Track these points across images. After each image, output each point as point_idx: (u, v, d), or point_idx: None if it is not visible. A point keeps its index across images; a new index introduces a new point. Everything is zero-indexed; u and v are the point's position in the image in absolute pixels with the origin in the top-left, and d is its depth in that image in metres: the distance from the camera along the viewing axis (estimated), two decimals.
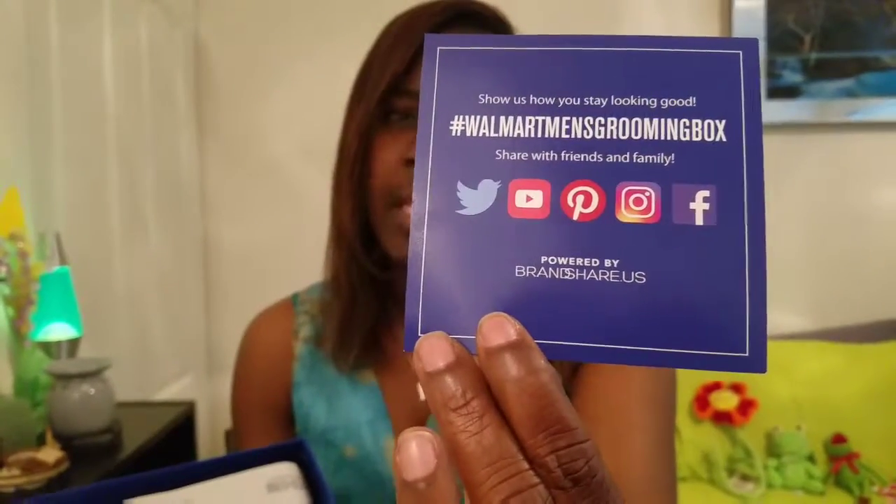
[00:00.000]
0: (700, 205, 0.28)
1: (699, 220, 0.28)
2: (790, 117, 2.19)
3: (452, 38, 0.31)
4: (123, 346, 1.67)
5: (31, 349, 1.21)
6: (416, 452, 0.25)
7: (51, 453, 1.01)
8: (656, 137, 0.29)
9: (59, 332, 1.26)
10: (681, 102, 0.29)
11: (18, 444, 1.05)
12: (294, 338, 0.75)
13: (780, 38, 2.17)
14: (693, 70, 0.29)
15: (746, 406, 1.99)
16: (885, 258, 2.24)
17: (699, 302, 0.27)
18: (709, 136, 0.28)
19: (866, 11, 2.15)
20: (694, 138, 0.28)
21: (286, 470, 0.56)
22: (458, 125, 0.30)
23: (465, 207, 0.29)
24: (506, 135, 0.29)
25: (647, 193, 0.28)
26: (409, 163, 0.63)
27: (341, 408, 0.71)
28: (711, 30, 2.22)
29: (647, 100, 0.29)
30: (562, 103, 0.29)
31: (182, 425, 1.36)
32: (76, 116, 1.51)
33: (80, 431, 1.13)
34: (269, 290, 0.89)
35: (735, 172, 0.28)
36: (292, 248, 1.87)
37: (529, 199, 0.29)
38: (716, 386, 2.02)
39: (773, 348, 2.09)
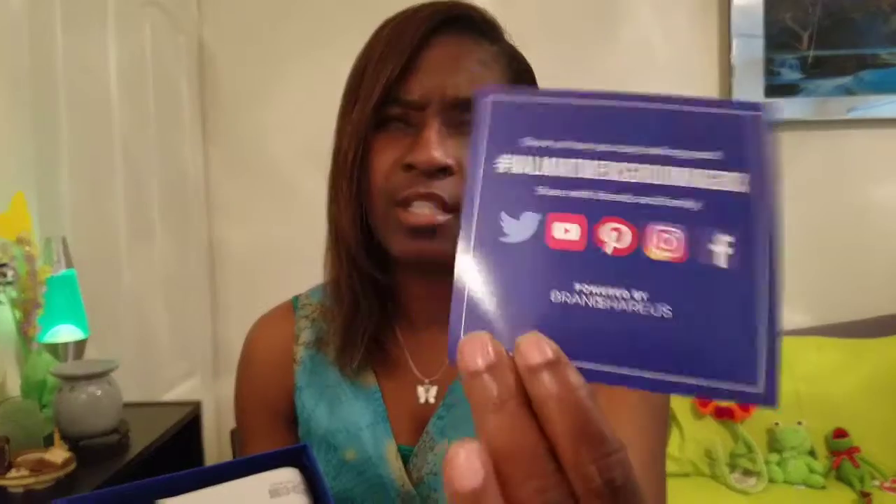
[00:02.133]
0: (724, 249, 0.30)
1: (722, 263, 0.30)
2: (789, 115, 2.19)
3: (503, 91, 0.34)
4: (130, 348, 1.69)
5: (38, 351, 1.23)
6: (466, 464, 0.26)
7: (58, 454, 1.03)
8: (685, 184, 0.31)
9: (65, 334, 1.28)
10: (708, 155, 0.31)
11: (27, 444, 1.07)
12: (295, 342, 0.76)
13: (779, 35, 2.18)
14: (720, 127, 0.32)
15: None
16: (884, 254, 2.25)
17: (719, 337, 0.29)
18: (733, 187, 0.31)
19: (864, 9, 2.15)
20: (720, 188, 0.31)
21: (288, 475, 0.56)
22: (504, 164, 0.32)
23: (507, 235, 0.31)
24: (547, 173, 0.32)
25: (676, 234, 0.30)
26: (407, 167, 0.63)
27: (342, 411, 0.72)
28: (710, 28, 2.23)
29: (677, 151, 0.32)
30: (598, 149, 0.32)
31: (188, 425, 1.38)
32: (82, 122, 1.53)
33: (88, 432, 1.15)
34: (274, 291, 0.90)
35: (756, 222, 0.31)
36: (297, 250, 1.89)
37: (567, 231, 0.31)
38: None
39: None
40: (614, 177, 0.31)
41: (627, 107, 0.32)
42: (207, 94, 2.26)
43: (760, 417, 2.00)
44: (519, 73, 0.71)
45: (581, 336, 0.29)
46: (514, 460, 0.26)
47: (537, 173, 0.32)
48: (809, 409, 2.00)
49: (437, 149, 0.62)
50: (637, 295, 0.29)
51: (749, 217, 0.30)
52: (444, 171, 0.63)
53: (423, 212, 0.63)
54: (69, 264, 1.32)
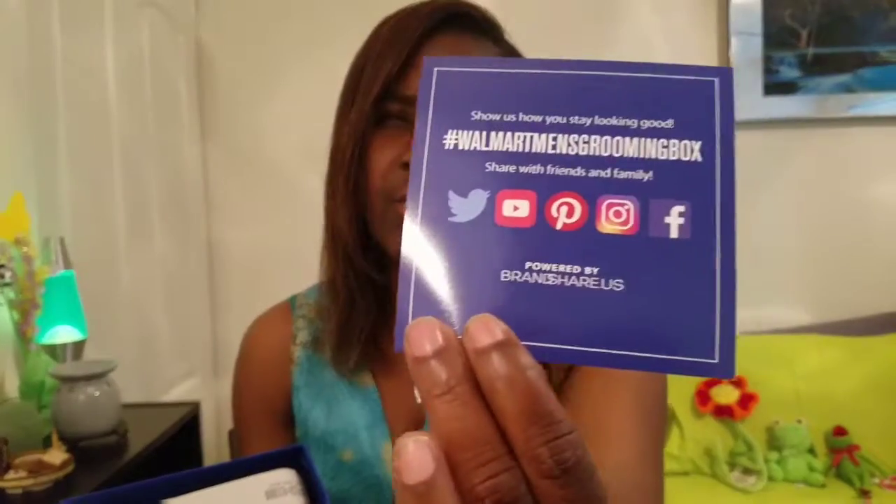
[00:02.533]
0: (675, 219, 0.29)
1: (674, 234, 0.29)
2: (788, 113, 2.19)
3: (449, 61, 0.32)
4: (130, 349, 1.69)
5: (36, 352, 1.23)
6: (414, 456, 0.25)
7: (57, 455, 1.03)
8: (636, 155, 0.30)
9: (64, 335, 1.28)
10: (659, 124, 0.31)
11: (25, 446, 1.07)
12: (292, 342, 0.76)
13: (777, 33, 2.17)
14: (672, 94, 0.31)
15: (747, 400, 2.00)
16: (884, 251, 2.25)
17: (673, 310, 0.28)
18: (685, 155, 0.30)
19: (863, 6, 2.15)
20: (671, 157, 0.30)
21: (285, 476, 0.56)
22: (451, 139, 0.31)
23: (455, 215, 0.30)
24: (496, 149, 0.31)
25: (627, 207, 0.30)
26: (405, 166, 0.63)
27: (340, 412, 0.72)
28: (708, 26, 2.22)
29: (628, 120, 0.31)
30: (549, 121, 0.31)
31: (187, 426, 1.38)
32: (80, 122, 1.53)
33: (86, 433, 1.15)
34: (273, 290, 0.90)
35: (708, 190, 0.30)
36: (296, 249, 1.88)
37: (516, 208, 0.30)
38: (716, 380, 2.03)
39: (773, 342, 2.10)
40: (565, 150, 0.31)
41: (579, 76, 0.32)
42: (206, 93, 2.26)
43: (760, 416, 2.00)
44: None
45: (533, 315, 0.29)
46: (465, 447, 0.26)
47: (486, 149, 0.31)
48: (809, 407, 2.00)
49: None
50: (588, 270, 0.29)
51: (701, 186, 0.30)
52: None
53: None
54: (67, 265, 1.31)
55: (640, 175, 0.30)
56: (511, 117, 0.31)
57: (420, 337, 0.26)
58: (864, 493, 1.83)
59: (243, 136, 2.28)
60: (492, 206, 0.30)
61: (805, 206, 2.25)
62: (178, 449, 1.34)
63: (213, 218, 2.29)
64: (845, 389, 2.01)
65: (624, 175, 0.30)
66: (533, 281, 0.29)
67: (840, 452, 1.94)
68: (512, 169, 0.30)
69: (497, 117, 0.31)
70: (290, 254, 2.01)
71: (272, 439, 0.75)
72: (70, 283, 1.31)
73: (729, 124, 0.30)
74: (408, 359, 0.27)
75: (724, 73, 0.31)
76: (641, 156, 0.30)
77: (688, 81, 0.31)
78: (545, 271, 0.29)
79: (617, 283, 0.29)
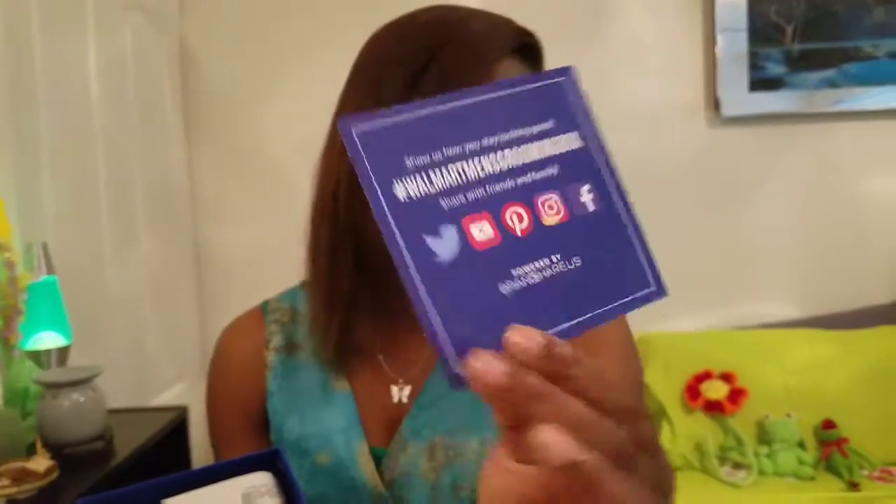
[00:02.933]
0: (587, 196, 0.37)
1: (591, 208, 0.36)
2: (774, 108, 2.20)
3: (360, 118, 0.34)
4: (118, 353, 1.68)
5: (20, 359, 1.22)
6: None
7: (41, 462, 1.02)
8: (540, 157, 0.36)
9: (48, 341, 1.27)
10: (544, 126, 0.37)
11: (9, 453, 1.06)
12: (265, 347, 0.75)
13: (763, 29, 2.18)
14: (541, 100, 0.37)
15: (737, 395, 2.00)
16: (871, 244, 2.26)
17: (615, 264, 0.36)
18: (571, 145, 0.37)
19: (847, 2, 2.16)
20: (563, 150, 0.37)
21: (261, 479, 0.57)
22: (400, 191, 0.33)
23: (438, 255, 0.33)
24: (440, 186, 0.34)
25: (554, 199, 0.36)
26: None
27: (314, 416, 0.71)
28: (695, 22, 2.23)
29: (522, 130, 0.36)
30: (467, 148, 0.35)
31: (175, 430, 1.37)
32: (62, 125, 1.52)
33: (72, 440, 1.14)
34: (263, 292, 0.89)
35: (599, 165, 0.37)
36: (284, 251, 1.87)
37: (482, 230, 0.34)
38: (706, 375, 2.04)
39: (762, 337, 2.11)
40: (490, 169, 0.35)
41: (472, 104, 0.36)
42: (191, 94, 2.24)
43: (750, 411, 2.00)
44: None
45: (534, 310, 0.34)
46: (583, 427, 0.30)
47: (433, 190, 0.34)
48: (799, 401, 2.01)
49: None
50: (554, 259, 0.35)
51: (591, 165, 0.37)
52: None
53: None
54: (50, 270, 1.31)
55: (550, 171, 0.36)
56: (437, 155, 0.34)
57: (485, 372, 0.30)
58: (853, 486, 1.84)
59: (230, 137, 2.27)
60: (464, 236, 0.34)
61: (792, 200, 2.26)
62: (166, 454, 1.33)
63: (201, 220, 2.28)
64: (834, 383, 2.02)
65: (541, 175, 0.36)
66: (524, 284, 0.34)
67: (829, 445, 1.95)
68: (462, 199, 0.34)
69: (426, 158, 0.34)
70: (277, 254, 2.00)
71: (247, 444, 0.75)
72: (53, 288, 1.30)
73: (586, 111, 0.38)
74: (483, 390, 0.30)
75: (567, 72, 0.38)
76: (544, 156, 0.36)
77: (547, 86, 0.37)
78: (528, 272, 0.34)
79: (576, 260, 0.35)
